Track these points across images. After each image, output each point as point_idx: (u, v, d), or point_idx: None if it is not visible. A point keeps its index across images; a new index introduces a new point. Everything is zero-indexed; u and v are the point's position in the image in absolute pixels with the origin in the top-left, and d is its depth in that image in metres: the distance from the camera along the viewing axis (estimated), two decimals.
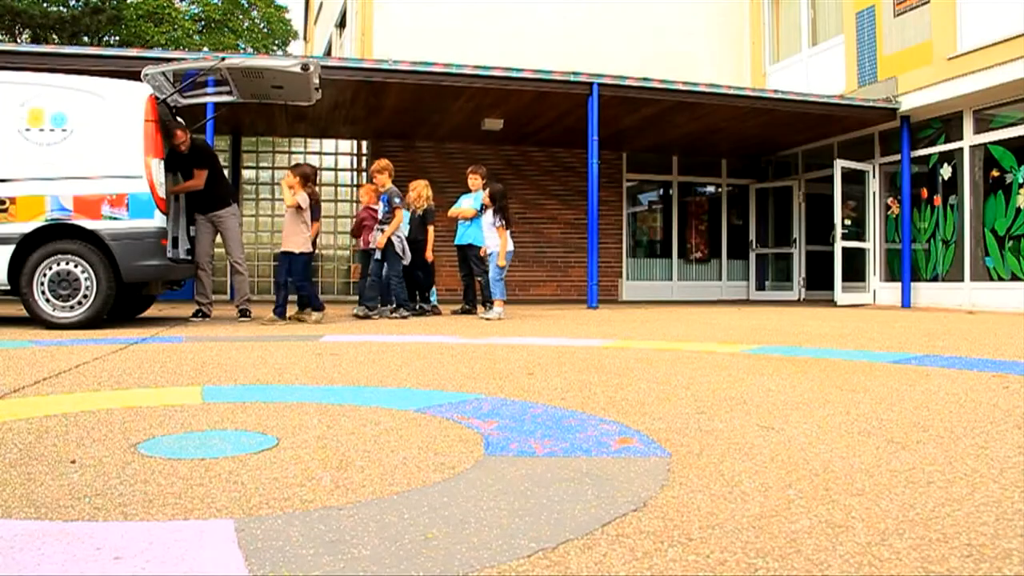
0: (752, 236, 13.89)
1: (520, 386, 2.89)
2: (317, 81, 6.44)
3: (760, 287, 13.99)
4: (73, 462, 1.74)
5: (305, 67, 6.17)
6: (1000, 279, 9.42)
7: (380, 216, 7.38)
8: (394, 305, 7.29)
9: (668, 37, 13.60)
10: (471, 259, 7.90)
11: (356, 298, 7.98)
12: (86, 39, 23.90)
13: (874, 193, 11.40)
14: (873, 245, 11.39)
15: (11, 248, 5.46)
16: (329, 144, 12.80)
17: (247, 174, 12.52)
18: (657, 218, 14.05)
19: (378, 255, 7.33)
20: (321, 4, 20.07)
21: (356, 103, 10.26)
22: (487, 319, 6.83)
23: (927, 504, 1.43)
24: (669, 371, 3.32)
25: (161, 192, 5.69)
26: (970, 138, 9.85)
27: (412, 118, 11.04)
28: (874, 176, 11.39)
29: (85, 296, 5.56)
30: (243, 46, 29.13)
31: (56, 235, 5.55)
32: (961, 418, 2.26)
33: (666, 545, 1.21)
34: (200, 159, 6.46)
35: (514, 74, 9.23)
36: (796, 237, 13.24)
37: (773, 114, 10.64)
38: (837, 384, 2.93)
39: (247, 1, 29.38)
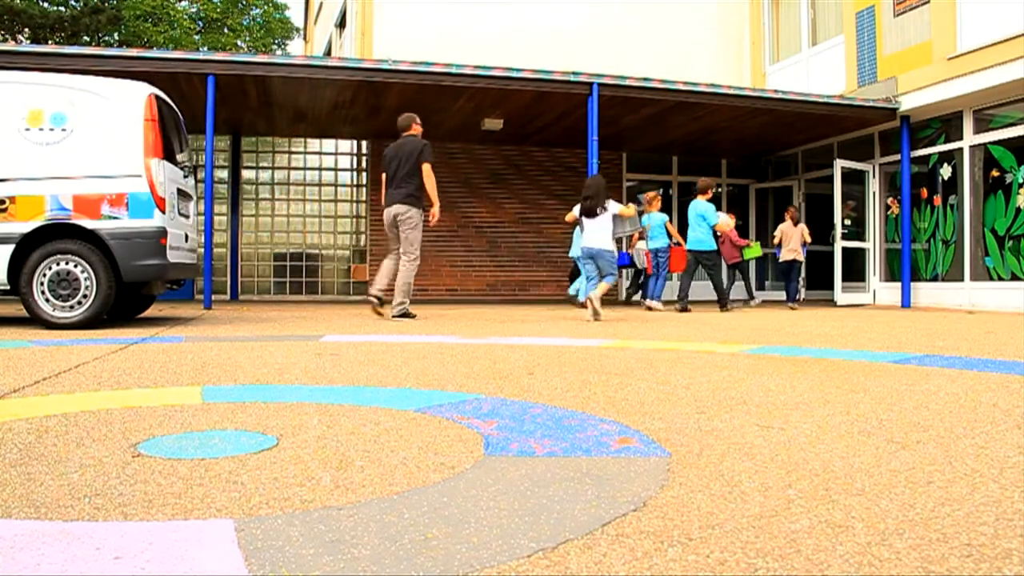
0: (752, 236, 13.88)
1: (520, 386, 2.89)
2: None
3: (760, 287, 13.99)
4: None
5: None
6: (1000, 279, 9.42)
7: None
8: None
9: (668, 37, 13.60)
10: (699, 261, 9.43)
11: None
12: (86, 39, 23.89)
13: (874, 193, 11.41)
14: (873, 245, 11.39)
15: (11, 248, 5.46)
16: (329, 144, 12.81)
17: (247, 174, 12.52)
18: None
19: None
20: (321, 4, 20.07)
21: (356, 103, 10.26)
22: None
23: (927, 504, 1.43)
24: (669, 371, 3.32)
25: (161, 191, 5.69)
26: (970, 138, 9.86)
27: None
28: (874, 176, 11.39)
29: (85, 296, 5.56)
30: (242, 45, 29.12)
31: (56, 235, 5.54)
32: (961, 418, 2.26)
33: (666, 545, 1.21)
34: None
35: (514, 74, 9.23)
36: None
37: (773, 114, 10.65)
38: (837, 384, 2.93)
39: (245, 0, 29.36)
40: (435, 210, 7.04)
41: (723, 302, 9.22)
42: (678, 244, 9.68)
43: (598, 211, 7.01)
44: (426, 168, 6.82)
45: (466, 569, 1.11)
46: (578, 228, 7.99)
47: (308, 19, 24.92)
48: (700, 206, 9.28)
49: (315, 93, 9.70)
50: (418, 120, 7.19)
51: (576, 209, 7.41)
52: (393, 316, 6.86)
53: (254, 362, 3.60)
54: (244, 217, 12.37)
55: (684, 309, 8.97)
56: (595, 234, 7.04)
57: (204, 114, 8.54)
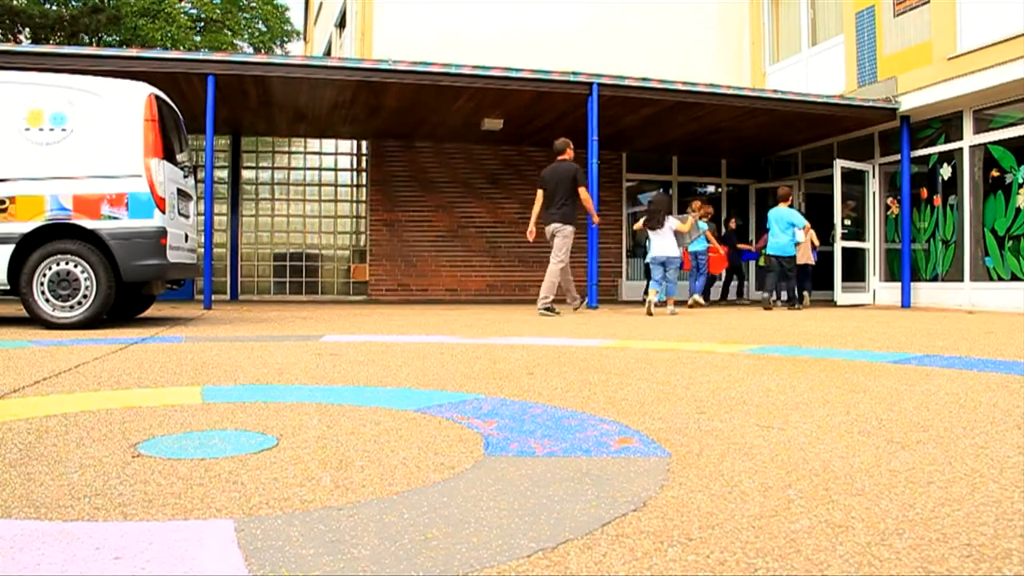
0: (752, 236, 13.88)
1: (520, 386, 2.89)
2: None
3: (760, 287, 13.98)
4: None
5: None
6: (1000, 279, 9.42)
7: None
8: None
9: (668, 37, 13.60)
10: (782, 265, 10.08)
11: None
12: (86, 39, 23.89)
13: (874, 193, 11.40)
14: (873, 245, 11.39)
15: (11, 248, 5.46)
16: (329, 144, 12.80)
17: (247, 174, 12.52)
18: None
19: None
20: (321, 4, 20.07)
21: (356, 103, 10.26)
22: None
23: (927, 504, 1.43)
24: (669, 371, 3.32)
25: (161, 191, 5.69)
26: (970, 138, 9.85)
27: (412, 118, 11.04)
28: (874, 176, 11.39)
29: (85, 296, 5.56)
30: (241, 45, 29.10)
31: (56, 235, 5.54)
32: (961, 418, 2.26)
33: (666, 545, 1.21)
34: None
35: (513, 74, 9.23)
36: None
37: (773, 114, 10.64)
38: (837, 384, 2.93)
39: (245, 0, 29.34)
40: (595, 216, 8.70)
41: (793, 300, 10.05)
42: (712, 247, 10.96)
43: (659, 226, 8.34)
44: (583, 192, 8.12)
45: (466, 569, 1.11)
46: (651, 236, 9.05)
47: (308, 19, 24.92)
48: (787, 213, 9.94)
49: (314, 93, 9.70)
50: (571, 145, 8.24)
51: (643, 220, 8.61)
52: (539, 311, 7.87)
53: (254, 362, 3.60)
54: (244, 217, 12.37)
55: (794, 307, 9.90)
56: (663, 244, 8.40)
57: (204, 114, 8.54)
